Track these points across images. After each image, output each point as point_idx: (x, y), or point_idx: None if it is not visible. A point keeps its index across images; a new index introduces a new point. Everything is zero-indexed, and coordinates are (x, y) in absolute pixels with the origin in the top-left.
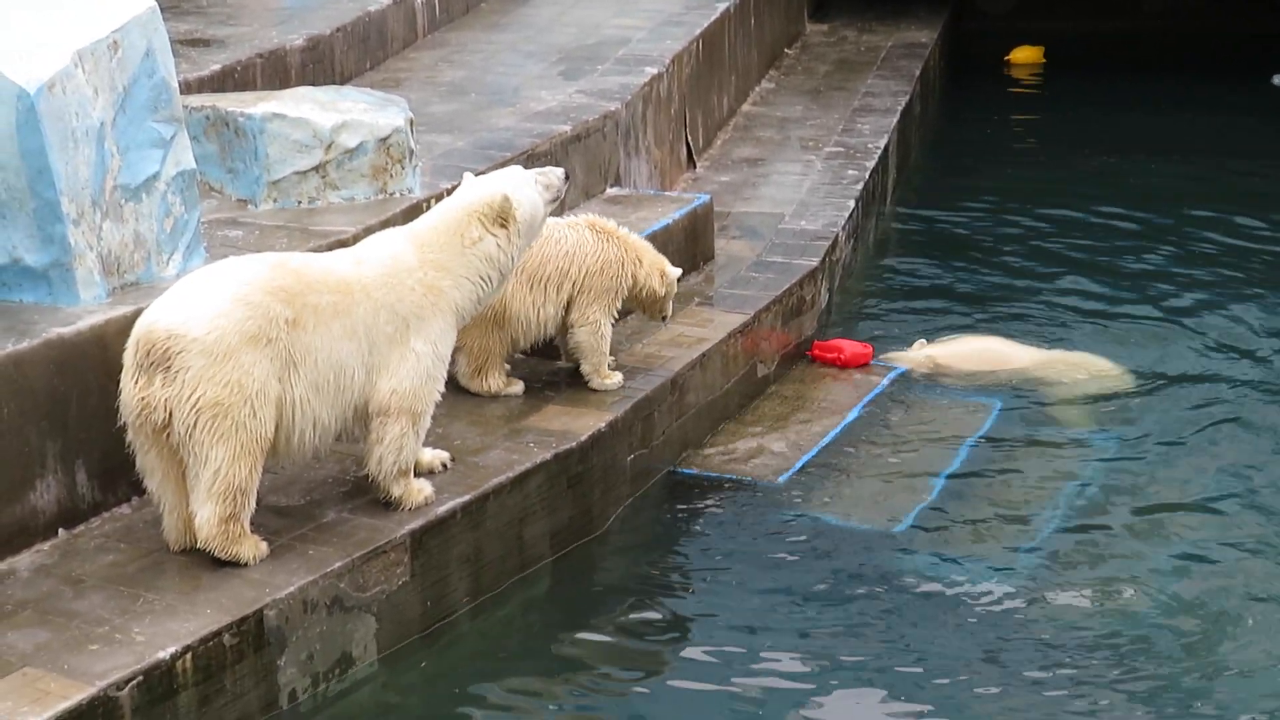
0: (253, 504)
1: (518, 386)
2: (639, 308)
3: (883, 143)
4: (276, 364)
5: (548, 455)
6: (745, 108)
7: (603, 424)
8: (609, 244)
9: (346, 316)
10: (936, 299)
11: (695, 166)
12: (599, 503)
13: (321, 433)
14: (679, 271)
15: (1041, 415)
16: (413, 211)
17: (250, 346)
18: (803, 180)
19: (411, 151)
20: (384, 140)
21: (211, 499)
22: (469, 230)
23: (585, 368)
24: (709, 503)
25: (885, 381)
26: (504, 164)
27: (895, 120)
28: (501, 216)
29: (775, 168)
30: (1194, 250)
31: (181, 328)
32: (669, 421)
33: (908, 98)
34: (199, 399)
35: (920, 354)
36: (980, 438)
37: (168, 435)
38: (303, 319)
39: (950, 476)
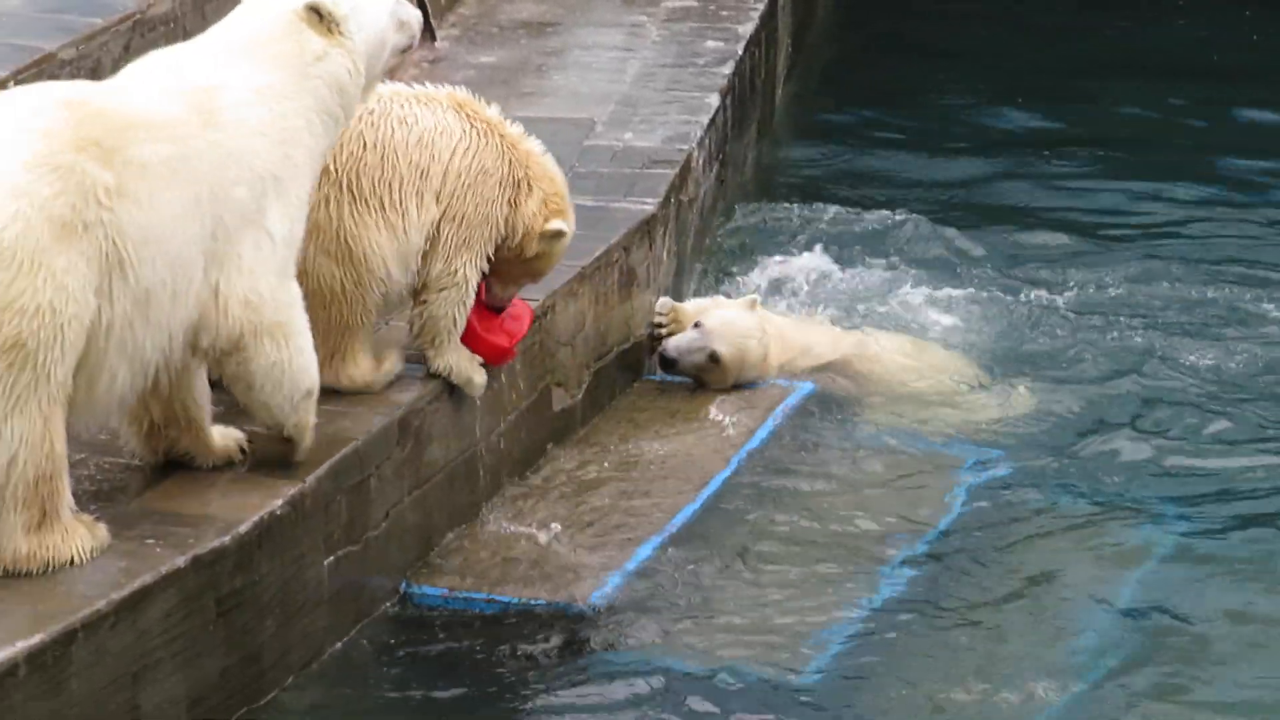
0: (68, 486)
1: (394, 362)
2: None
3: None
4: (95, 266)
5: (180, 561)
6: None
7: (277, 503)
8: (487, 139)
9: (188, 179)
10: (852, 257)
11: (435, 38)
12: (272, 649)
13: (138, 376)
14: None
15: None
16: None
17: (63, 241)
18: (627, 60)
19: None
20: None
21: (10, 507)
22: (306, 39)
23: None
24: (468, 648)
25: (778, 413)
26: (91, 37)
27: None
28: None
29: (577, 38)
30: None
31: None
32: (397, 496)
33: None
34: None
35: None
36: (952, 518)
37: None
38: (128, 186)
39: (888, 582)
